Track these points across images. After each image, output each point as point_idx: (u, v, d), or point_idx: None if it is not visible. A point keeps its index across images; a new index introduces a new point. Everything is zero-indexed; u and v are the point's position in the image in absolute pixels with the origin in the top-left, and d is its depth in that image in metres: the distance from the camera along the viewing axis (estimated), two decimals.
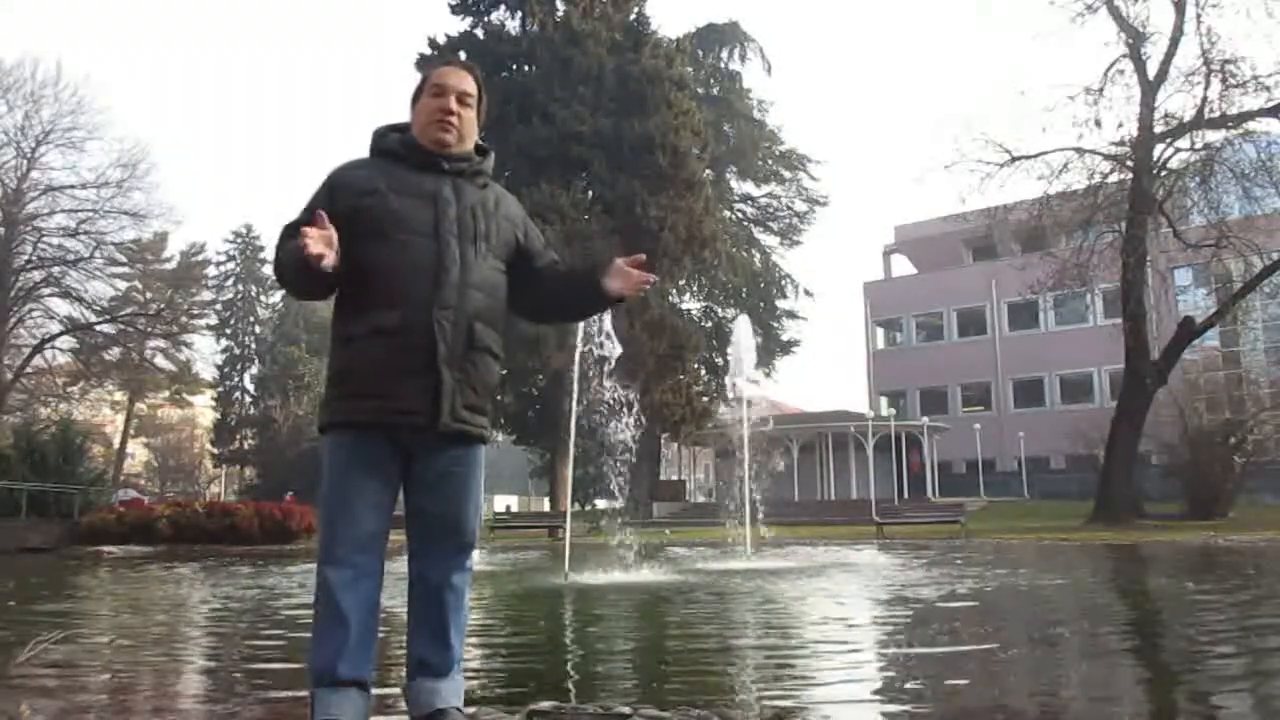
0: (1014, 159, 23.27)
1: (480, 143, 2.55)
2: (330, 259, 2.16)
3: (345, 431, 2.32)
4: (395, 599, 2.52)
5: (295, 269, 2.19)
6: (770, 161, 47.04)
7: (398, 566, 2.41)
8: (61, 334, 32.92)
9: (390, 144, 2.45)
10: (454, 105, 2.42)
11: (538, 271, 2.54)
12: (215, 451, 51.48)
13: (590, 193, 30.31)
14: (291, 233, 2.28)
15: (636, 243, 28.92)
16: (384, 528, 2.35)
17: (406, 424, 2.28)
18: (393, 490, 2.36)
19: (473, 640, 4.48)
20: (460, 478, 2.38)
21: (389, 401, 2.27)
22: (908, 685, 3.49)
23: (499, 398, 31.03)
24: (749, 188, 47.62)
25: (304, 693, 2.33)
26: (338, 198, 2.36)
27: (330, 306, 2.44)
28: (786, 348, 47.27)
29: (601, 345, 9.64)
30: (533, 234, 2.58)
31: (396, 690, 2.66)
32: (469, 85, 2.47)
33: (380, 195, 2.33)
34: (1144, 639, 5.01)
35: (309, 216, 2.31)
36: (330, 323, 2.44)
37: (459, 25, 32.15)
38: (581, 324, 10.15)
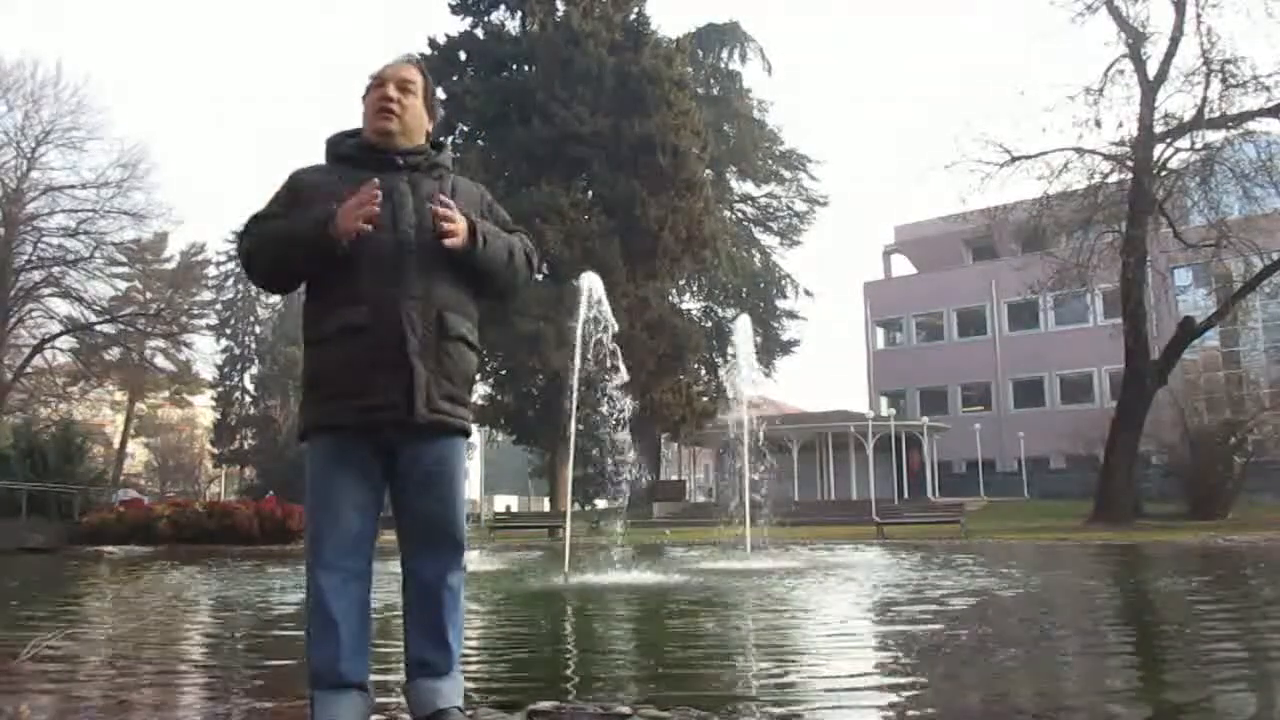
0: (1014, 159, 23.24)
1: (434, 138, 2.55)
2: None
3: (325, 435, 2.31)
4: (393, 599, 2.51)
5: (297, 242, 2.26)
6: (770, 161, 47.04)
7: (392, 567, 2.40)
8: (61, 334, 32.89)
9: (345, 149, 2.48)
10: (393, 92, 2.43)
11: None
12: (215, 451, 51.45)
13: (590, 193, 30.32)
14: (260, 223, 2.36)
15: (636, 243, 29.02)
16: (370, 529, 2.34)
17: (383, 420, 2.26)
18: (377, 491, 2.35)
19: (473, 640, 4.48)
20: (447, 475, 2.37)
21: (364, 399, 2.25)
22: (910, 685, 3.48)
23: (499, 397, 31.05)
24: (749, 188, 47.66)
25: (304, 692, 2.33)
26: (299, 199, 2.37)
27: None
28: (786, 348, 47.30)
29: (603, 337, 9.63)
30: (497, 215, 2.54)
31: (396, 691, 2.66)
32: (409, 73, 2.48)
33: (338, 198, 2.32)
34: (1143, 635, 5.01)
35: (278, 209, 2.38)
36: (300, 328, 2.44)
37: (459, 25, 32.24)
38: (581, 325, 10.12)
